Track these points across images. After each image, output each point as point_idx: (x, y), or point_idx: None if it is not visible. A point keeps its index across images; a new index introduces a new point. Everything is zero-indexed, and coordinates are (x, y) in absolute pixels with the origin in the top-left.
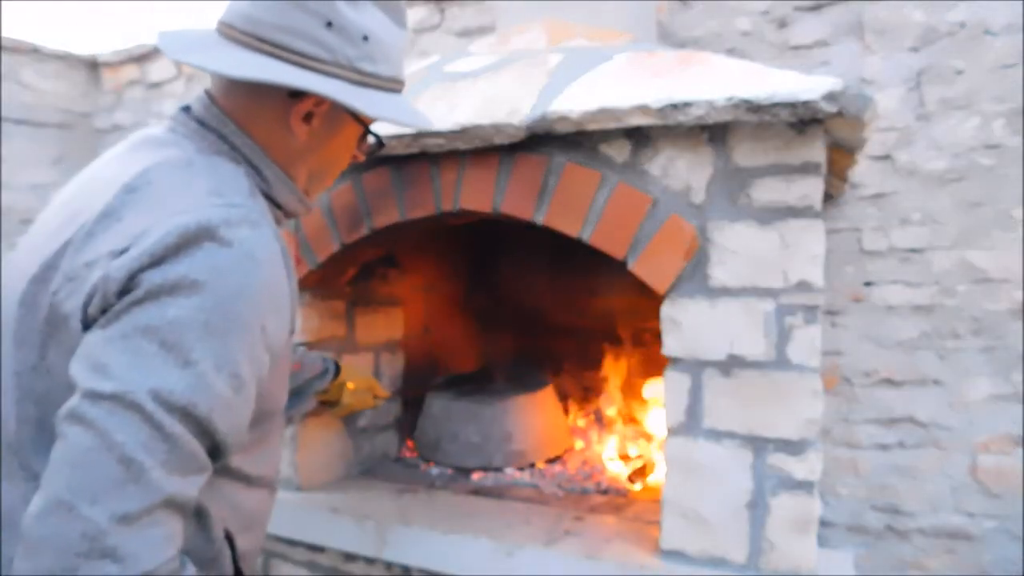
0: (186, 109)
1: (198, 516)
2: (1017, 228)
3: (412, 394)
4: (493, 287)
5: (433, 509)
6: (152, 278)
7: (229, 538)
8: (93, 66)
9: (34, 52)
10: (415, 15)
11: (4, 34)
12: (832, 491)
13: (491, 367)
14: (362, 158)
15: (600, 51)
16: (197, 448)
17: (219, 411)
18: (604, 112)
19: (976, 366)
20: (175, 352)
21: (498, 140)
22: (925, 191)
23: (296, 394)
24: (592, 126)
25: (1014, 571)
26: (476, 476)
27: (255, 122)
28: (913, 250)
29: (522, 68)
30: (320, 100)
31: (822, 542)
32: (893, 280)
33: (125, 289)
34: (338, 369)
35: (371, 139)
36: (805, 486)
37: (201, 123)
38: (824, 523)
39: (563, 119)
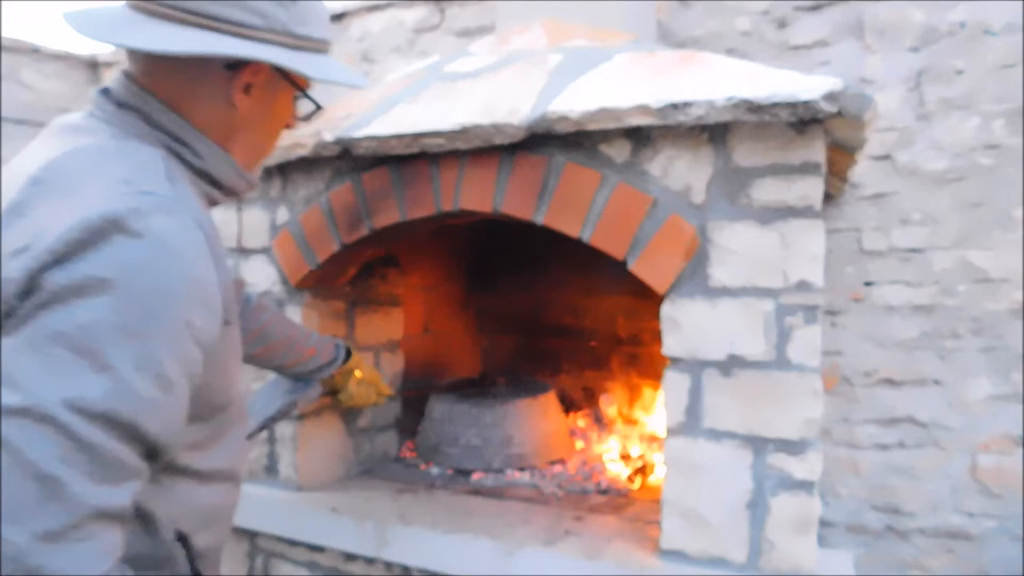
0: (105, 91)
1: (144, 520)
2: (1017, 228)
3: (412, 394)
4: (493, 287)
5: (433, 509)
6: (56, 278)
7: (183, 538)
8: (93, 66)
9: (34, 52)
10: (415, 15)
11: (4, 34)
12: (832, 491)
13: (493, 371)
14: (296, 124)
15: (600, 51)
16: (125, 454)
17: (146, 414)
18: (604, 112)
19: (976, 366)
20: (89, 357)
21: (498, 140)
22: (925, 191)
23: (305, 381)
24: (592, 126)
25: (1014, 571)
26: (476, 476)
27: (187, 100)
28: (913, 250)
29: (522, 68)
30: (257, 69)
31: (822, 542)
32: (893, 280)
33: (26, 290)
34: (348, 356)
35: (305, 105)
36: (805, 486)
37: (120, 104)
38: (824, 523)
39: (563, 119)
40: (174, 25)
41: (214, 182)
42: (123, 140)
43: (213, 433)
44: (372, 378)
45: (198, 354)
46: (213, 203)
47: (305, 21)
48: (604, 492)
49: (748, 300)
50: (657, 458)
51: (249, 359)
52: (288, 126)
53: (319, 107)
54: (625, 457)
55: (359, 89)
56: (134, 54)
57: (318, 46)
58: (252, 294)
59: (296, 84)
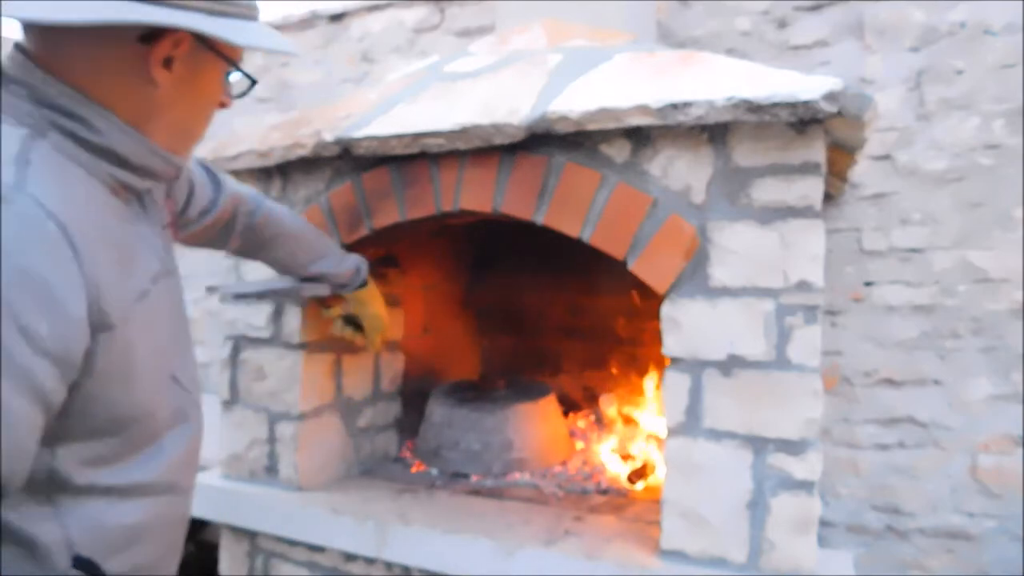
0: None
1: (26, 547)
2: (1017, 228)
3: (412, 394)
4: (493, 287)
5: (433, 509)
6: None
7: (87, 564)
8: None
9: None
10: (415, 15)
11: (4, 34)
12: (832, 491)
13: (493, 372)
14: (230, 103)
15: (600, 51)
16: None
17: None
18: (604, 112)
19: (976, 366)
20: None
21: (498, 140)
22: (925, 191)
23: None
24: (592, 126)
25: (1014, 571)
26: (476, 476)
27: (94, 77)
28: (913, 250)
29: (522, 68)
30: (179, 40)
31: (822, 542)
32: (893, 280)
33: None
34: (364, 284)
35: (237, 79)
36: (805, 486)
37: (4, 80)
38: (824, 523)
39: (563, 119)
40: None
41: (121, 161)
42: None
43: (125, 447)
44: (379, 318)
45: (47, 367)
46: (129, 188)
47: None
48: (604, 492)
49: (748, 300)
50: (657, 458)
51: (264, 259)
52: (223, 105)
53: (254, 82)
54: (625, 457)
55: (291, 57)
56: (30, 27)
57: (244, 11)
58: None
59: (225, 56)
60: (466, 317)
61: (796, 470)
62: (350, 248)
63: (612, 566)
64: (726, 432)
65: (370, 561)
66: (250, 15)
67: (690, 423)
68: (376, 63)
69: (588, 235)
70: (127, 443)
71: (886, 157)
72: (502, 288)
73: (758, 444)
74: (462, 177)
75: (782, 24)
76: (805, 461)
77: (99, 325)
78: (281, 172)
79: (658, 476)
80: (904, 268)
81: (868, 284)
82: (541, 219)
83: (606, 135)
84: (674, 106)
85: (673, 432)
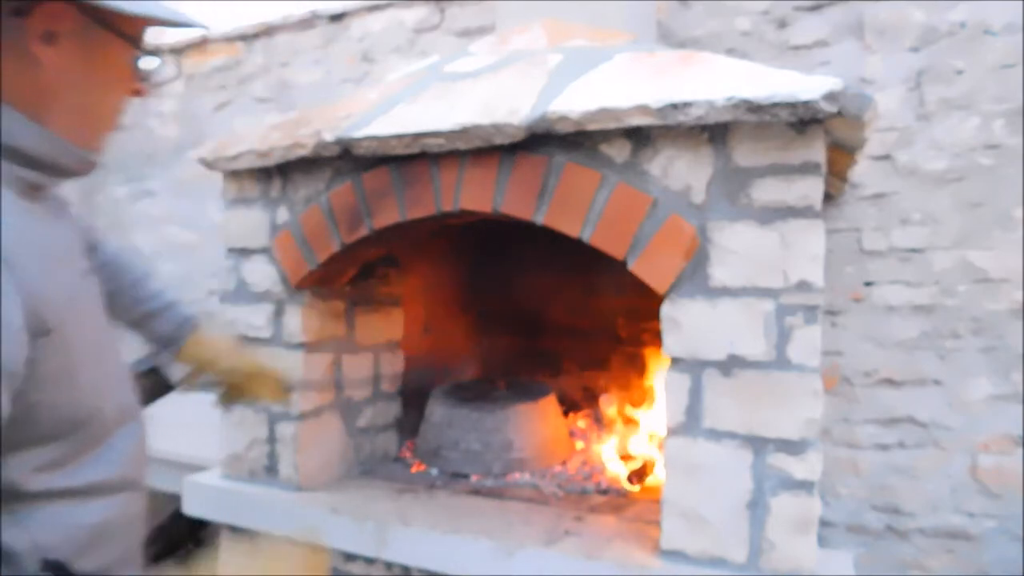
0: None
1: (5, 560)
2: (1017, 228)
3: (412, 394)
4: (493, 287)
5: (433, 509)
6: None
7: (57, 567)
8: None
9: None
10: (415, 15)
11: None
12: (832, 491)
13: (493, 373)
14: (147, 91)
15: (600, 51)
16: None
17: None
18: (604, 112)
19: (976, 366)
20: None
21: (498, 140)
22: (925, 191)
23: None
24: (592, 126)
25: (1014, 571)
26: (476, 476)
27: None
28: (913, 250)
29: (522, 68)
30: (55, 11)
31: (822, 542)
32: (893, 280)
33: None
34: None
35: (147, 62)
36: (805, 486)
37: None
38: (824, 523)
39: (563, 119)
40: None
41: (30, 161)
42: None
43: (76, 448)
44: (238, 367)
45: None
46: (39, 188)
47: None
48: (604, 492)
49: (748, 300)
50: (657, 458)
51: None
52: (138, 92)
53: (161, 61)
54: (625, 457)
55: (198, 29)
56: None
57: None
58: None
59: (124, 34)
60: (466, 317)
61: (796, 470)
62: (350, 248)
63: (612, 566)
64: (726, 432)
65: (370, 561)
66: None
67: (690, 423)
68: (376, 63)
69: (588, 235)
70: (78, 445)
71: (886, 157)
72: (502, 288)
73: (758, 444)
74: (462, 177)
75: (782, 24)
76: (805, 461)
77: (37, 331)
78: (281, 172)
79: (658, 476)
80: (904, 268)
81: (868, 284)
82: (541, 219)
83: (606, 135)
84: (674, 106)
85: (673, 432)
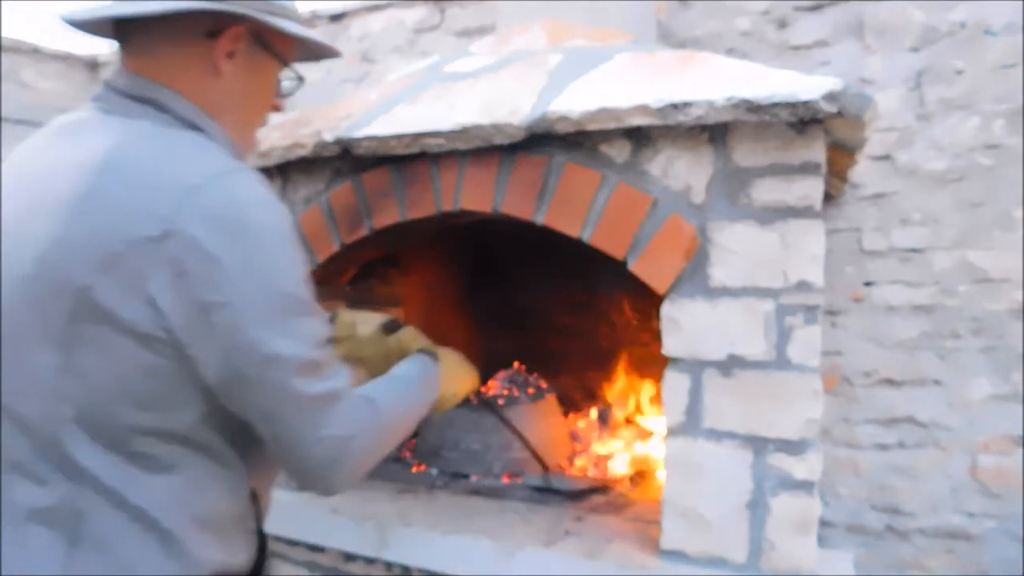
0: (109, 87)
1: (230, 476)
2: (1017, 228)
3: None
4: (493, 287)
5: (433, 509)
6: None
7: (254, 497)
8: (93, 66)
9: (34, 52)
10: (415, 15)
11: (4, 34)
12: (832, 491)
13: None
14: (282, 106)
15: (600, 51)
16: None
17: None
18: (604, 112)
19: (976, 366)
20: None
21: (498, 140)
22: (925, 191)
23: None
24: (592, 126)
25: (1014, 571)
26: (476, 476)
27: (179, 74)
28: (913, 250)
29: (522, 68)
30: (238, 35)
31: (822, 542)
32: (893, 280)
33: None
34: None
35: (287, 81)
36: (805, 486)
37: (132, 97)
38: (824, 523)
39: (563, 119)
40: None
41: None
42: (163, 127)
43: None
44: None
45: None
46: None
47: None
48: (604, 492)
49: (748, 300)
50: (657, 458)
51: None
52: (276, 108)
53: (301, 79)
54: (625, 457)
55: (335, 57)
56: (124, 46)
57: (293, 15)
58: None
59: (278, 55)
60: (466, 317)
61: (796, 470)
62: (350, 248)
63: (612, 566)
64: (726, 432)
65: (370, 561)
66: (296, 18)
67: (690, 423)
68: (376, 63)
69: (588, 235)
70: None
71: (886, 157)
72: (502, 288)
73: (758, 444)
74: (462, 177)
75: (782, 24)
76: (805, 461)
77: None
78: (281, 172)
79: (658, 476)
80: (904, 268)
81: (868, 284)
82: (541, 219)
83: (606, 135)
84: (674, 106)
85: (673, 432)
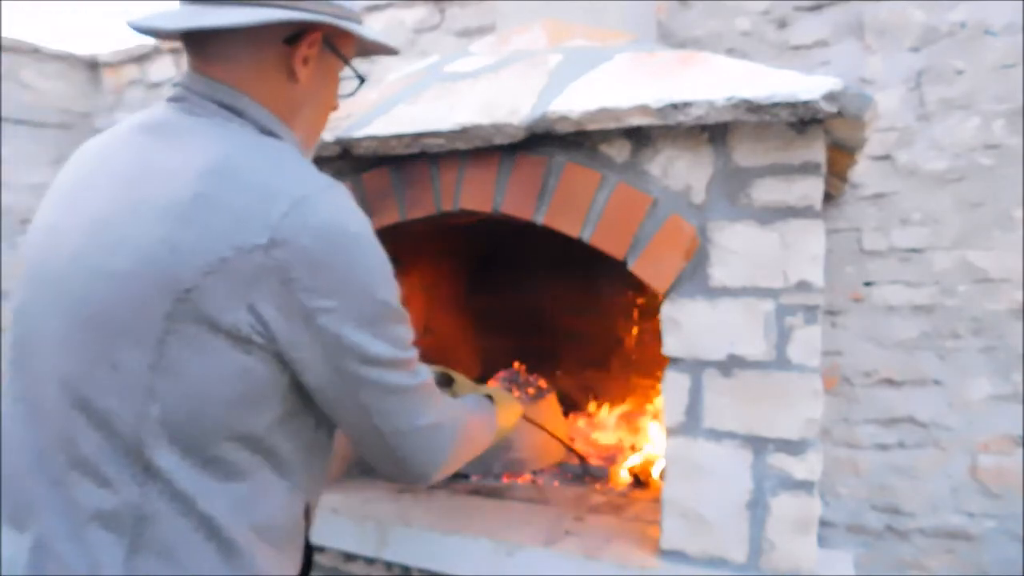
0: (189, 89)
1: (289, 489)
2: (1017, 228)
3: None
4: (493, 287)
5: (433, 509)
6: None
7: (307, 510)
8: (93, 66)
9: (34, 52)
10: (415, 15)
11: (4, 34)
12: (832, 491)
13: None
14: (338, 105)
15: (600, 51)
16: None
17: None
18: (604, 112)
19: (976, 366)
20: None
21: (498, 140)
22: (925, 191)
23: None
24: (592, 126)
25: (1014, 571)
26: (476, 476)
27: (256, 80)
28: (913, 250)
29: (522, 68)
30: (313, 40)
31: (822, 542)
32: (893, 280)
33: None
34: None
35: (349, 80)
36: (805, 486)
37: (216, 103)
38: (824, 523)
39: (563, 119)
40: (231, 7)
41: None
42: (257, 135)
43: None
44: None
45: None
46: None
47: None
48: (604, 492)
49: (748, 300)
50: (657, 458)
51: None
52: (335, 108)
53: (363, 80)
54: (625, 458)
55: (395, 55)
56: (197, 50)
57: (357, 17)
58: None
59: (343, 57)
60: (466, 317)
61: (796, 470)
62: None
63: (612, 566)
64: (726, 432)
65: (370, 561)
66: (359, 19)
67: (690, 423)
68: (376, 63)
69: (588, 235)
70: None
71: (886, 157)
72: (502, 288)
73: (758, 444)
74: (462, 177)
75: (782, 24)
76: (805, 461)
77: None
78: None
79: (658, 476)
80: (904, 268)
81: (868, 284)
82: (541, 219)
83: (606, 135)
84: (674, 106)
85: (673, 432)
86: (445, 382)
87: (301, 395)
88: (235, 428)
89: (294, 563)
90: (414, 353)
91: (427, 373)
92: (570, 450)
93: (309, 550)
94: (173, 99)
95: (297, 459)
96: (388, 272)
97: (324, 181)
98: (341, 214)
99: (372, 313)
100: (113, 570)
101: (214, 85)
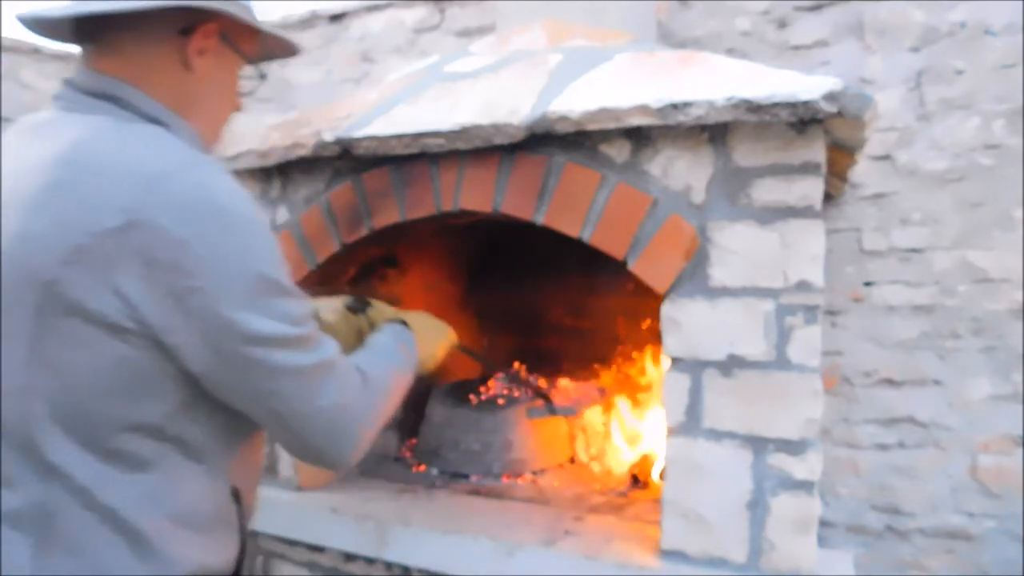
0: (71, 85)
1: (208, 470)
2: (1017, 228)
3: (412, 394)
4: (493, 287)
5: (433, 509)
6: None
7: (236, 495)
8: None
9: (34, 52)
10: (415, 15)
11: (4, 34)
12: (832, 491)
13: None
14: (242, 106)
15: (600, 51)
16: None
17: None
18: (604, 112)
19: (976, 366)
20: None
21: (498, 140)
22: (925, 191)
23: None
24: (592, 126)
25: (1014, 571)
26: (476, 476)
27: (149, 72)
28: (913, 250)
29: (522, 68)
30: (210, 32)
31: (822, 542)
32: (893, 280)
33: None
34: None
35: (248, 79)
36: (805, 486)
37: (94, 95)
38: (824, 523)
39: (563, 119)
40: None
41: None
42: (123, 122)
43: None
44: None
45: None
46: None
47: None
48: (604, 492)
49: (748, 300)
50: (657, 458)
51: None
52: (237, 107)
53: (263, 76)
54: (626, 458)
55: (294, 55)
56: (90, 46)
57: (254, 17)
58: None
59: (242, 53)
60: (466, 317)
61: (796, 470)
62: (350, 248)
63: (612, 566)
64: (726, 432)
65: (370, 561)
66: (255, 15)
67: (690, 423)
68: (376, 63)
69: (588, 235)
70: None
71: (886, 157)
72: (502, 288)
73: (758, 444)
74: (462, 177)
75: (782, 24)
76: (805, 461)
77: None
78: (281, 172)
79: (658, 476)
80: (904, 268)
81: (868, 284)
82: (541, 219)
83: (606, 135)
84: (674, 106)
85: (673, 432)
86: (357, 307)
87: None
88: (130, 419)
89: (225, 548)
90: (309, 328)
91: (330, 348)
92: (486, 361)
93: (244, 535)
94: (55, 97)
95: (213, 443)
96: (268, 245)
97: (189, 158)
98: (205, 189)
99: (251, 289)
100: (20, 570)
101: (99, 78)
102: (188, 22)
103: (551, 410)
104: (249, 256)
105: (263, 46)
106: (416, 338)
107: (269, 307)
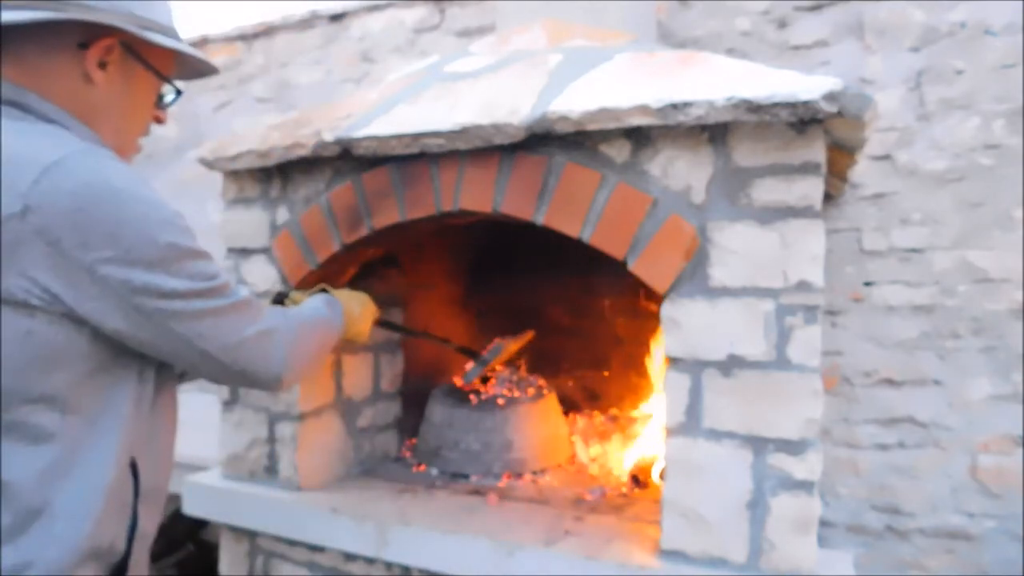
0: None
1: (100, 432)
2: (1017, 228)
3: (412, 394)
4: (493, 287)
5: (433, 509)
6: None
7: (134, 467)
8: None
9: None
10: (415, 15)
11: None
12: (832, 491)
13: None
14: (164, 118)
15: (600, 51)
16: None
17: None
18: (604, 112)
19: (976, 366)
20: None
21: (498, 140)
22: (925, 191)
23: None
24: (592, 126)
25: (1014, 571)
26: (476, 476)
27: (51, 81)
28: (913, 250)
29: (522, 68)
30: (109, 46)
31: (822, 542)
32: (893, 280)
33: None
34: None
35: (169, 94)
36: (805, 486)
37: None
38: (824, 523)
39: (563, 119)
40: (19, 10)
41: None
42: (16, 121)
43: None
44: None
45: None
46: None
47: (151, 7)
48: (604, 492)
49: (748, 300)
50: (657, 458)
51: None
52: (158, 120)
53: (180, 92)
54: (626, 458)
55: (213, 74)
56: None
57: (167, 31)
58: None
59: (154, 68)
60: (466, 317)
61: (796, 470)
62: (350, 248)
63: (612, 566)
64: (726, 432)
65: (370, 561)
66: (169, 34)
67: (690, 423)
68: (376, 63)
69: (588, 235)
70: None
71: (886, 157)
72: (502, 288)
73: (758, 444)
74: (462, 177)
75: (782, 24)
76: (805, 461)
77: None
78: (281, 172)
79: (658, 476)
80: (904, 268)
81: (868, 284)
82: (541, 219)
83: (606, 135)
84: (674, 106)
85: (673, 432)
86: (281, 299)
87: (111, 350)
88: (32, 390)
89: (117, 522)
90: (222, 280)
91: (246, 291)
92: (411, 333)
93: (135, 513)
94: None
95: (116, 416)
96: (168, 217)
97: (83, 147)
98: (100, 173)
99: (159, 256)
100: None
101: (5, 85)
102: (85, 36)
103: (477, 359)
104: (153, 228)
105: (184, 64)
106: (340, 302)
107: (181, 269)
